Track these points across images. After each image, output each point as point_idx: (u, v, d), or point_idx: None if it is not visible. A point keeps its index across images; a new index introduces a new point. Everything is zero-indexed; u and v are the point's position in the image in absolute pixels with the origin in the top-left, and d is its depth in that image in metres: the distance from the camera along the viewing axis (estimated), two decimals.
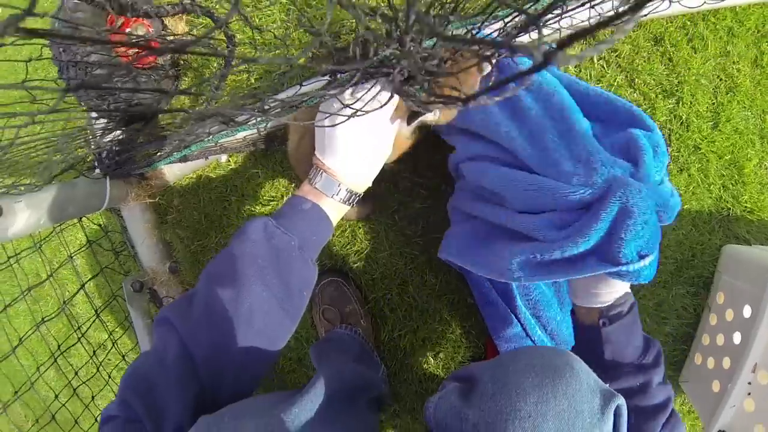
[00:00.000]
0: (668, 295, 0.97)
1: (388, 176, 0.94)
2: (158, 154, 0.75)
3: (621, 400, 0.47)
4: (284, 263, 0.56)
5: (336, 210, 0.63)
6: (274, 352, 0.58)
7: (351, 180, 0.62)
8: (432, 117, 0.67)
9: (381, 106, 0.55)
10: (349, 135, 0.59)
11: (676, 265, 0.97)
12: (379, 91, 0.53)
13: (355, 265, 1.00)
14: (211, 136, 0.66)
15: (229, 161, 1.01)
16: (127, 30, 0.75)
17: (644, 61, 0.94)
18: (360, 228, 0.99)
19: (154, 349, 0.54)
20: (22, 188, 0.65)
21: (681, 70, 0.94)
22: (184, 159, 0.84)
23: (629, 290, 0.67)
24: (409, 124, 0.64)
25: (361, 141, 0.60)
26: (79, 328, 1.14)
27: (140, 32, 0.76)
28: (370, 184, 0.66)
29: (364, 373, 0.72)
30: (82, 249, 1.19)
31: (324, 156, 0.61)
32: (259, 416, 0.48)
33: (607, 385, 0.50)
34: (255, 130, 0.76)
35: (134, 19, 0.74)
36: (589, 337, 0.67)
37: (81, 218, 0.97)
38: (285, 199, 1.01)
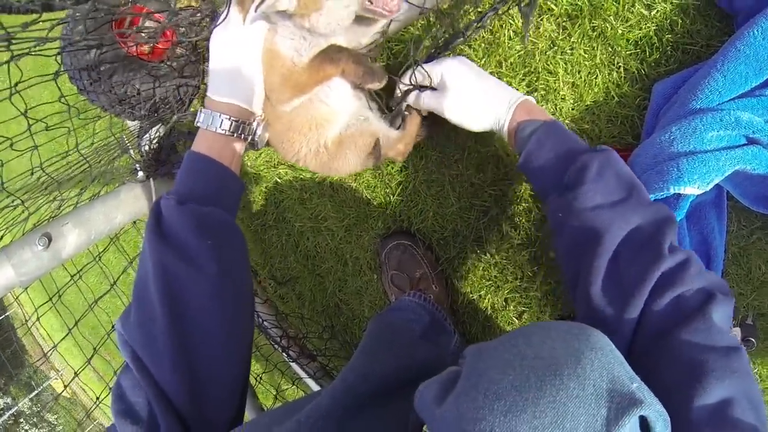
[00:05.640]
0: None
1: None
2: None
3: (649, 410, 0.34)
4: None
5: (214, 140, 0.60)
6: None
7: (219, 103, 0.59)
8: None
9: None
10: (212, 54, 0.59)
11: None
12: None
13: (422, 224, 0.92)
14: None
15: None
16: (136, 27, 0.68)
17: None
18: (421, 183, 0.89)
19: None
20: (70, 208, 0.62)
21: None
22: None
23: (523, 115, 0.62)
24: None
25: (216, 55, 0.59)
26: None
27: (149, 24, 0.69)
28: (243, 105, 0.60)
29: (417, 359, 0.64)
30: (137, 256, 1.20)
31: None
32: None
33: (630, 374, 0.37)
34: None
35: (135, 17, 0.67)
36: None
37: (135, 222, 0.96)
38: None
